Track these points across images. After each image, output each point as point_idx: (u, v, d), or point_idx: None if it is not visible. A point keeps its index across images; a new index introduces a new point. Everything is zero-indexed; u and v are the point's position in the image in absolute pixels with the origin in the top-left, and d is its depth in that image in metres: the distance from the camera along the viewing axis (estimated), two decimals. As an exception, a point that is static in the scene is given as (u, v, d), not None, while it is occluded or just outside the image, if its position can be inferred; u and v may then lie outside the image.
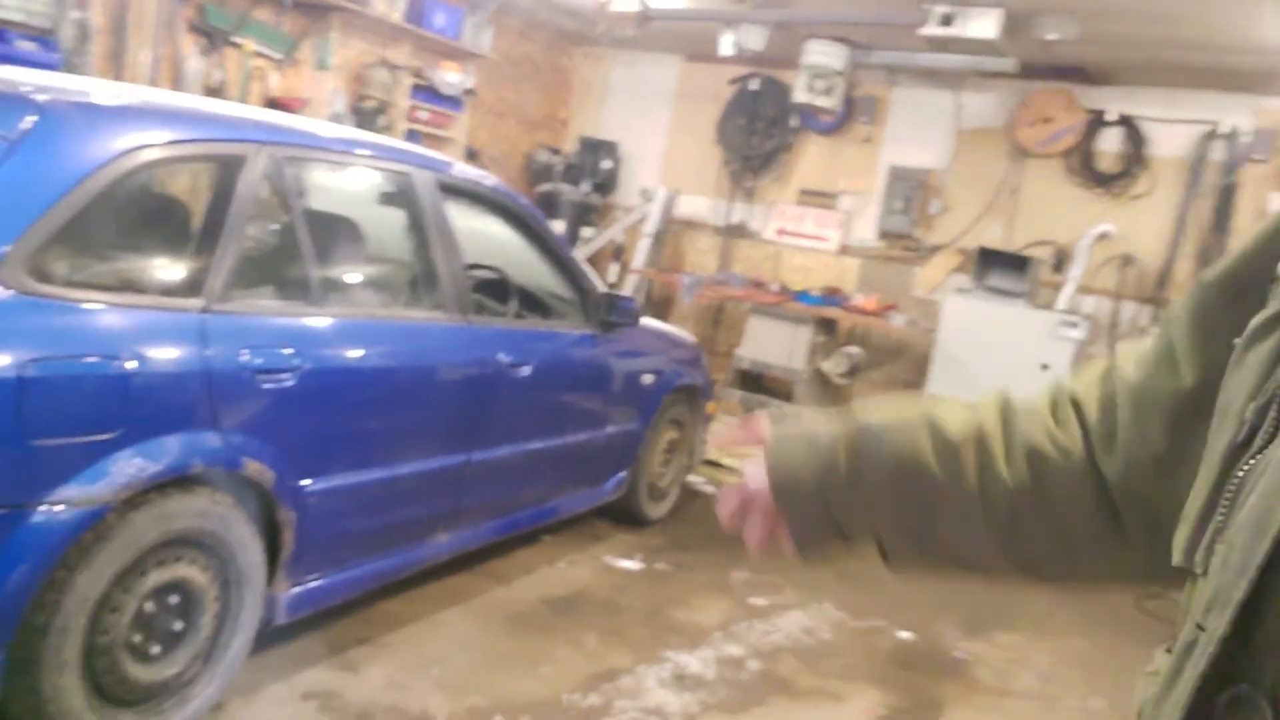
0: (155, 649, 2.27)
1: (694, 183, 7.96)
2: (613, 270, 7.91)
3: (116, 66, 4.84)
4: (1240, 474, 0.56)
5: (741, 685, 3.20)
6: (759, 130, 7.71)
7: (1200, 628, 0.53)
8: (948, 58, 6.25)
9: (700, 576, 4.09)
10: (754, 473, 0.93)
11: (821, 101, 6.69)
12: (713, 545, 4.51)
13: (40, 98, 2.12)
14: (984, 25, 5.22)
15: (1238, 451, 0.58)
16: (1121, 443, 0.79)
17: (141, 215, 2.52)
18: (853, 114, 7.40)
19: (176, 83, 5.19)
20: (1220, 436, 0.61)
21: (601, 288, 3.96)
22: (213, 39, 5.42)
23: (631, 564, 4.10)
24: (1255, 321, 0.61)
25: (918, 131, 7.27)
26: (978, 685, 3.53)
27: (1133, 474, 0.78)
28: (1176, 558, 0.61)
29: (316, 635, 2.98)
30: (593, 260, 7.88)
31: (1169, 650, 0.62)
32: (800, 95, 6.72)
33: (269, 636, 2.75)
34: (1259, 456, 0.55)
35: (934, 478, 0.85)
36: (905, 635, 3.84)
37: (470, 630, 3.26)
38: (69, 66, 4.53)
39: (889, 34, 6.16)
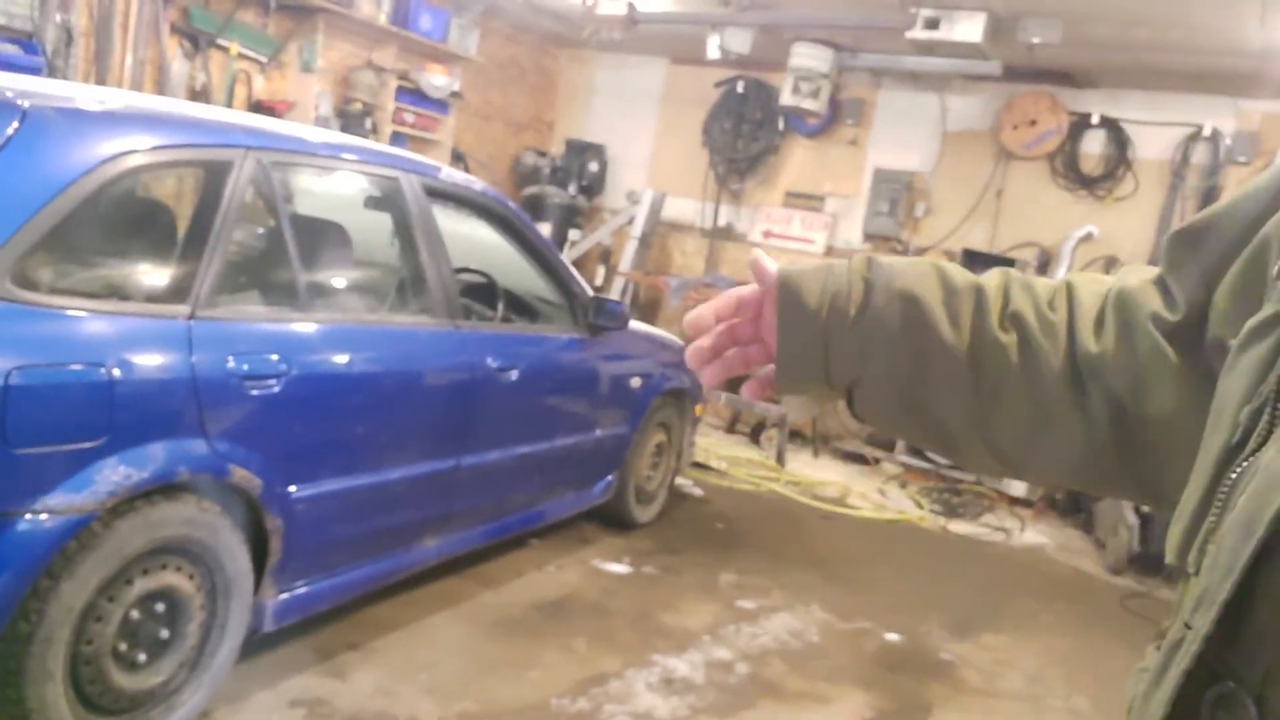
0: (141, 657, 2.25)
1: (680, 185, 7.97)
2: (600, 273, 7.91)
3: (100, 69, 4.80)
4: (1233, 476, 0.57)
5: (729, 689, 3.21)
6: (745, 133, 7.72)
7: (1188, 626, 0.54)
8: (933, 61, 6.28)
9: (688, 579, 4.10)
10: (765, 272, 0.87)
11: (807, 104, 6.71)
12: (701, 548, 4.52)
13: (22, 103, 2.11)
14: (969, 29, 5.24)
15: (1231, 454, 0.58)
16: (1108, 341, 0.79)
17: (126, 221, 2.50)
18: (838, 116, 7.43)
19: (160, 86, 5.16)
20: (1214, 438, 0.61)
21: (589, 291, 3.96)
22: (197, 42, 5.40)
23: (620, 567, 4.10)
24: (1250, 324, 0.61)
25: (903, 134, 7.29)
26: (964, 686, 3.55)
27: (1111, 373, 0.78)
28: (1170, 557, 0.62)
29: (304, 641, 2.97)
30: (580, 263, 7.88)
31: (1159, 647, 0.63)
32: (786, 98, 6.73)
33: (256, 643, 2.74)
34: (1251, 459, 0.56)
35: (935, 325, 0.82)
36: (892, 637, 3.86)
37: (459, 635, 3.25)
38: (52, 70, 4.49)
39: (874, 37, 6.18)
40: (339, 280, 2.98)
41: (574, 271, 4.00)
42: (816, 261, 0.88)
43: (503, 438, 3.43)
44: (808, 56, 6.52)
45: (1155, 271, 0.79)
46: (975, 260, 6.46)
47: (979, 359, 0.81)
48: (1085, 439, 0.79)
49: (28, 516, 1.95)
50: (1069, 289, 0.83)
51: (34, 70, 4.26)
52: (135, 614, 2.23)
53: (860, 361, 0.83)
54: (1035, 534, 5.76)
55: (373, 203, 3.21)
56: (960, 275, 0.85)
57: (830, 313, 0.83)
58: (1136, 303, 0.77)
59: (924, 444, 0.92)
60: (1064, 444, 0.80)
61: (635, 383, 4.24)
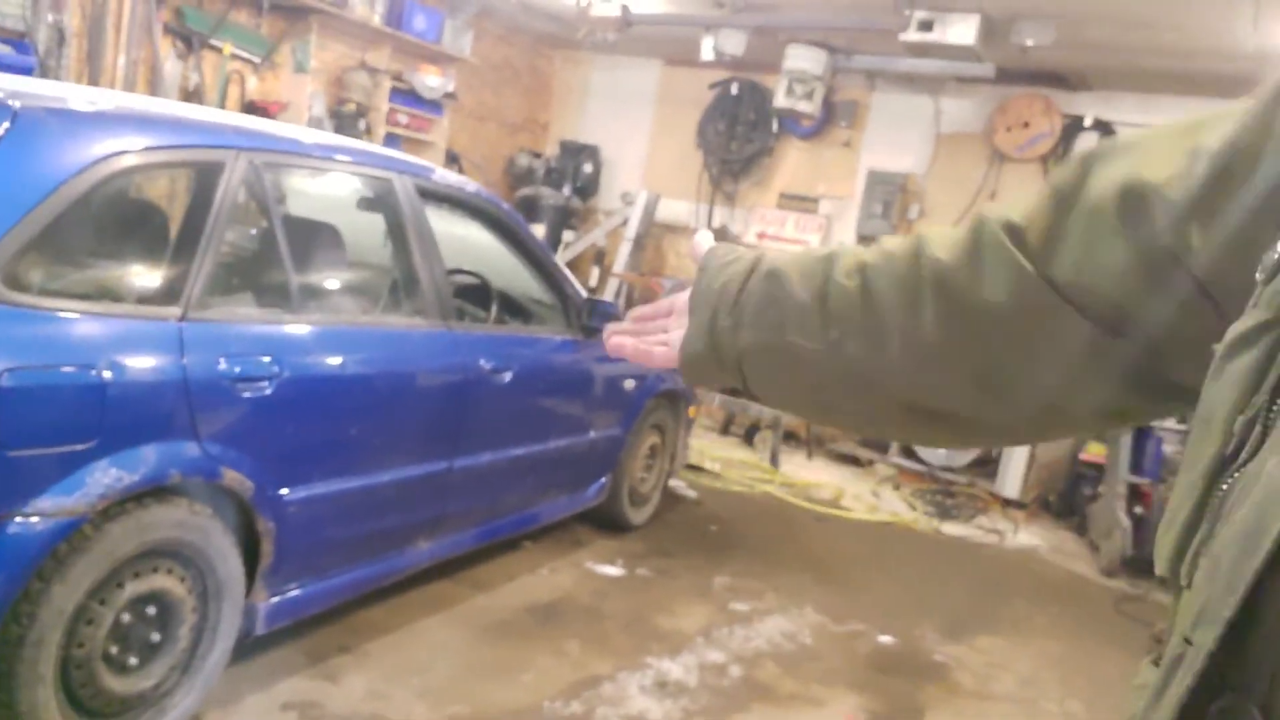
0: (132, 660, 2.25)
1: (675, 186, 7.97)
2: (594, 274, 7.90)
3: (93, 70, 4.79)
4: (1224, 487, 0.56)
5: (723, 691, 3.20)
6: (739, 134, 7.73)
7: (1188, 641, 0.53)
8: (927, 63, 6.28)
9: (682, 582, 4.09)
10: (696, 255, 0.97)
11: (801, 106, 6.72)
12: (694, 550, 4.51)
13: (13, 103, 2.09)
14: (963, 31, 5.24)
15: (1224, 464, 0.57)
16: (956, 251, 0.80)
17: (118, 223, 2.49)
18: (832, 118, 7.43)
19: (153, 86, 5.14)
20: (1203, 448, 0.60)
21: (583, 293, 3.95)
22: (190, 42, 5.38)
23: (613, 570, 4.10)
24: (1234, 333, 0.60)
25: (897, 136, 7.30)
26: (958, 689, 3.55)
27: (950, 271, 0.80)
28: (1160, 568, 0.61)
29: (297, 644, 2.96)
30: (574, 264, 7.87)
31: (1155, 663, 0.62)
32: (780, 100, 6.73)
33: (248, 646, 2.73)
34: (1244, 470, 0.55)
35: (790, 289, 0.88)
36: (886, 639, 3.86)
37: (452, 638, 3.25)
38: (44, 70, 4.47)
39: (869, 39, 6.19)
40: (332, 282, 2.97)
41: (568, 273, 3.99)
42: (745, 251, 0.95)
43: (496, 440, 3.43)
44: (802, 59, 6.52)
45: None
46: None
47: (826, 307, 0.86)
48: (919, 344, 0.82)
49: (18, 519, 1.94)
50: (918, 235, 0.87)
51: (26, 70, 4.24)
52: (126, 617, 2.22)
53: (735, 335, 0.90)
54: (1029, 536, 5.76)
55: (366, 204, 3.20)
56: (826, 250, 0.90)
57: (721, 295, 0.91)
58: (990, 214, 0.80)
59: (812, 410, 0.99)
60: (906, 355, 0.83)
61: (629, 384, 4.23)
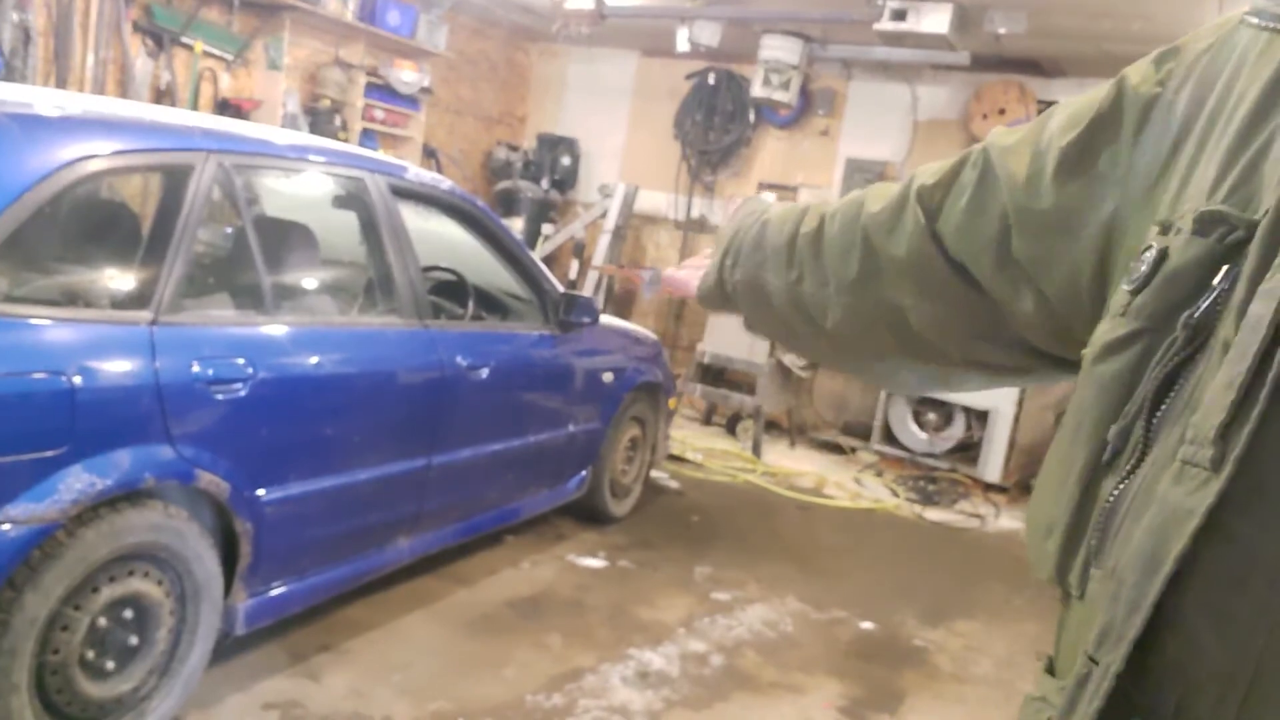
0: (110, 665, 2.25)
1: (653, 178, 7.97)
2: (573, 267, 7.90)
3: (60, 69, 4.75)
4: (1112, 498, 0.56)
5: (704, 681, 3.23)
6: (717, 125, 7.72)
7: (1093, 660, 0.53)
8: (902, 51, 6.30)
9: (663, 573, 4.11)
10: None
11: (778, 96, 6.72)
12: (676, 541, 4.54)
13: (-24, 110, 2.08)
14: (936, 20, 5.26)
15: (1100, 473, 0.58)
16: (887, 207, 0.93)
17: (86, 228, 2.48)
18: (810, 107, 7.45)
19: (124, 86, 5.10)
20: (1074, 451, 0.61)
21: (560, 288, 3.96)
22: (160, 40, 5.34)
23: (595, 562, 4.11)
24: (1102, 340, 0.61)
25: (875, 124, 7.32)
26: (937, 673, 3.59)
27: (874, 226, 0.94)
28: (1044, 575, 0.62)
29: (277, 644, 2.97)
30: (554, 257, 7.87)
31: (1049, 671, 0.63)
32: (757, 90, 6.74)
33: (229, 647, 2.74)
34: (1128, 481, 0.56)
35: (770, 233, 1.07)
36: (867, 626, 3.89)
37: (433, 634, 3.26)
38: (10, 71, 4.44)
39: (844, 28, 6.20)
40: (305, 282, 2.97)
41: (544, 268, 3.99)
42: (769, 202, 1.15)
43: (474, 436, 3.43)
44: (777, 49, 6.52)
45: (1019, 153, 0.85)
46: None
47: (792, 250, 1.02)
48: (846, 284, 0.96)
49: (-11, 527, 1.93)
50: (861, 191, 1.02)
51: (-8, 72, 4.21)
52: (103, 621, 2.23)
53: (733, 273, 1.10)
54: (1010, 520, 5.81)
55: (338, 203, 3.20)
56: (815, 201, 1.07)
57: (732, 240, 1.12)
58: (918, 174, 0.92)
59: (785, 337, 1.17)
60: (839, 294, 0.97)
61: (608, 378, 4.24)
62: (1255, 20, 0.60)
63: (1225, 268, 0.55)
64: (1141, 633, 0.50)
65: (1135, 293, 0.60)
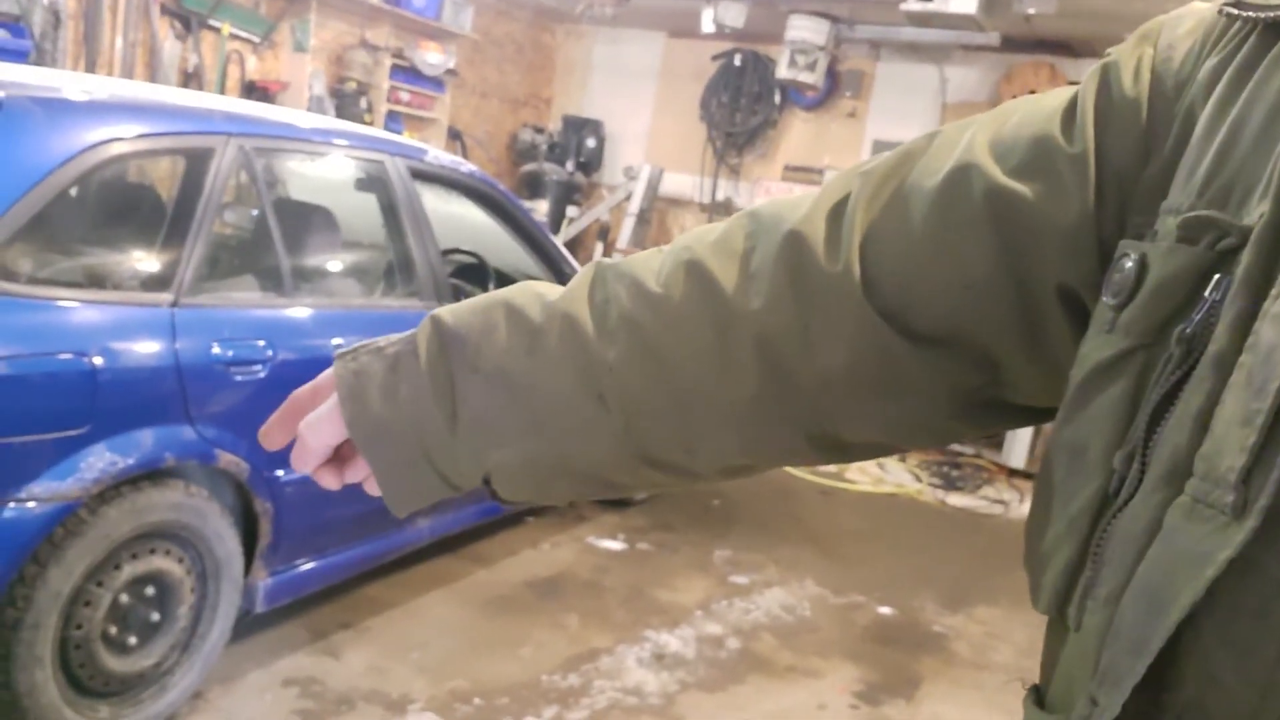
0: (132, 640, 2.29)
1: (678, 160, 7.94)
2: (598, 249, 7.90)
3: (90, 52, 4.80)
4: (1108, 527, 0.53)
5: (719, 663, 3.24)
6: (743, 106, 7.69)
7: (1094, 701, 0.51)
8: (931, 32, 6.23)
9: (682, 556, 4.13)
10: (324, 415, 0.73)
11: (804, 77, 6.67)
12: (696, 525, 4.55)
13: (-1, 94, 2.11)
14: (963, 0, 5.19)
15: (1108, 503, 0.54)
16: (764, 291, 0.66)
17: (108, 211, 2.52)
18: (837, 88, 7.38)
19: (152, 68, 5.15)
20: (1080, 483, 0.57)
21: (579, 270, 3.96)
22: (188, 23, 5.38)
23: (614, 544, 4.14)
24: (1094, 361, 0.57)
25: (903, 105, 7.25)
26: (955, 659, 3.58)
27: (771, 327, 0.66)
28: (1042, 608, 0.59)
29: (297, 621, 3.01)
30: (578, 240, 7.87)
31: (1039, 704, 0.60)
32: (783, 71, 6.69)
33: (249, 624, 2.78)
34: (1124, 510, 0.53)
35: (537, 386, 0.69)
36: (885, 611, 3.89)
37: (452, 614, 3.29)
38: (40, 53, 4.49)
39: (871, 8, 6.13)
40: (325, 264, 3.00)
41: (564, 251, 4.00)
42: (363, 346, 0.74)
43: (493, 418, 3.45)
44: (804, 29, 6.47)
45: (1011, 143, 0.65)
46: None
47: (598, 391, 0.69)
48: (733, 407, 0.68)
49: (13, 505, 1.98)
50: (690, 260, 0.69)
51: (21, 54, 4.26)
52: (125, 598, 2.27)
53: (481, 460, 0.72)
54: (1033, 506, 5.77)
55: (358, 186, 3.22)
56: (537, 304, 0.71)
57: (415, 424, 0.71)
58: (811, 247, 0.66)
59: (592, 496, 0.79)
60: (716, 412, 0.68)
61: (628, 361, 4.24)
62: (1234, 10, 0.58)
63: (1216, 277, 0.51)
64: (1146, 674, 0.47)
65: (1120, 308, 0.56)
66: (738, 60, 7.63)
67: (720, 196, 7.87)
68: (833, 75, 7.20)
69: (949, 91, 7.06)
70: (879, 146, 7.26)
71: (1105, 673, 0.50)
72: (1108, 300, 0.57)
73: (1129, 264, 0.56)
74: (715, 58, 7.71)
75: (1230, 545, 0.45)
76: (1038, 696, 0.61)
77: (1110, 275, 0.58)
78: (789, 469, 5.66)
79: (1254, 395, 0.46)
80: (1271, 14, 0.55)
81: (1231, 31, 0.59)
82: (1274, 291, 0.47)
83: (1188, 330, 0.51)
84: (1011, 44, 6.18)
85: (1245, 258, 0.50)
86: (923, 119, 7.17)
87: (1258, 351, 0.46)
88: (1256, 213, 0.50)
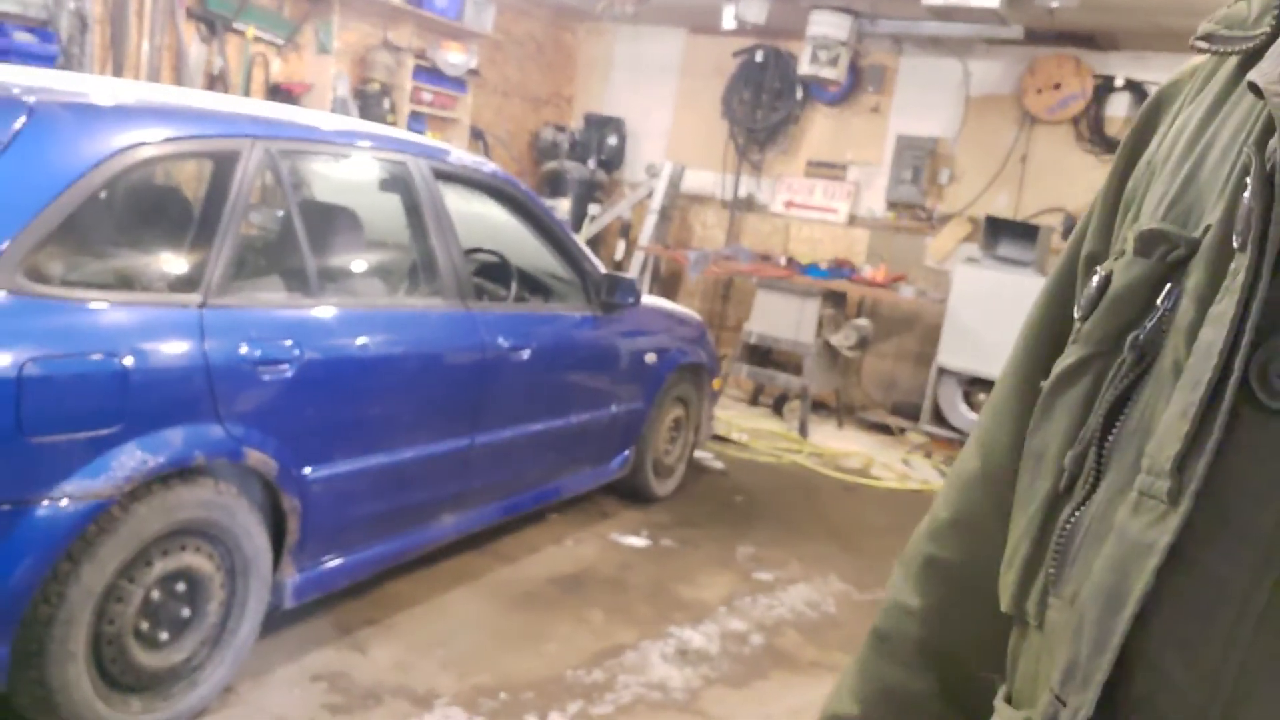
0: (163, 636, 2.33)
1: (700, 157, 7.94)
2: (620, 247, 7.92)
3: (116, 56, 4.86)
4: (1068, 526, 0.56)
5: (743, 659, 3.25)
6: (765, 102, 7.67)
7: (1060, 700, 0.52)
8: (953, 26, 6.19)
9: (705, 552, 4.13)
10: None
11: (826, 73, 6.65)
12: (719, 521, 4.55)
13: (28, 99, 2.15)
14: (986, -7, 5.16)
15: (1058, 501, 0.57)
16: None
17: (137, 213, 2.56)
18: (860, 83, 7.35)
19: (178, 72, 5.21)
20: (1038, 484, 0.60)
21: (602, 269, 3.98)
22: (213, 26, 5.44)
23: (638, 541, 4.15)
24: (1059, 369, 0.61)
25: (926, 100, 7.21)
26: (980, 656, 3.57)
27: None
28: (1005, 605, 0.61)
29: (325, 617, 3.04)
30: (600, 238, 7.88)
31: (1009, 701, 0.62)
32: (805, 67, 6.67)
33: (278, 620, 2.82)
34: (1083, 508, 0.55)
35: None
36: (909, 607, 3.87)
37: (477, 609, 3.32)
38: (68, 58, 4.56)
39: (892, 3, 6.11)
40: (350, 265, 3.03)
41: (586, 250, 4.02)
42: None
43: (516, 416, 3.48)
44: (825, 24, 6.44)
45: None
46: (999, 228, 6.40)
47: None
48: None
49: (46, 503, 2.01)
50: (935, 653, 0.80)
51: (49, 59, 4.32)
52: (156, 594, 2.30)
53: None
54: (1059, 502, 5.73)
55: (382, 187, 3.25)
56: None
57: None
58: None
59: None
60: None
61: (650, 358, 4.26)
62: (1204, 45, 0.60)
63: (1168, 287, 0.55)
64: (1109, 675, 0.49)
65: (1084, 319, 0.60)
66: (759, 56, 7.61)
67: (742, 193, 7.86)
68: (855, 70, 7.17)
69: (972, 85, 7.01)
70: (903, 141, 7.23)
71: (1069, 671, 0.52)
72: (1076, 315, 0.61)
73: (1095, 280, 0.60)
74: (736, 54, 7.70)
75: (1169, 531, 0.47)
76: (1006, 693, 0.63)
77: (1080, 292, 0.62)
78: (809, 465, 5.66)
79: (1191, 388, 0.49)
80: (1235, 48, 0.57)
81: (1210, 65, 0.62)
82: (1219, 296, 0.50)
83: (1140, 337, 0.55)
84: (1035, 36, 6.13)
85: (1193, 268, 0.53)
86: (946, 113, 7.13)
87: (1199, 351, 0.49)
88: (1203, 225, 0.53)
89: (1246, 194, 0.49)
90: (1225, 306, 0.49)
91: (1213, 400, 0.48)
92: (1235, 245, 0.50)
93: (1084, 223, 0.72)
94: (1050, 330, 0.71)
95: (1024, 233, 6.34)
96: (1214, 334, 0.49)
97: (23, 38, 4.24)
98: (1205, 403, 0.48)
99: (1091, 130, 6.65)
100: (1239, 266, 0.49)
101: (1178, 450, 0.48)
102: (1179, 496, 0.48)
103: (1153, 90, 0.71)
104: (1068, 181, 6.72)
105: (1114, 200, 0.67)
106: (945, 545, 0.79)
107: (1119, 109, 6.56)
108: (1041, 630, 0.57)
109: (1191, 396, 0.49)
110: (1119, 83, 6.48)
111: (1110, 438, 0.55)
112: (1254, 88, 0.51)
